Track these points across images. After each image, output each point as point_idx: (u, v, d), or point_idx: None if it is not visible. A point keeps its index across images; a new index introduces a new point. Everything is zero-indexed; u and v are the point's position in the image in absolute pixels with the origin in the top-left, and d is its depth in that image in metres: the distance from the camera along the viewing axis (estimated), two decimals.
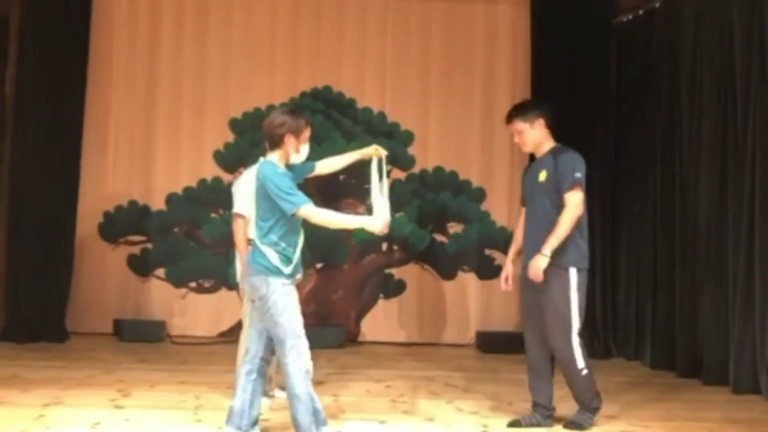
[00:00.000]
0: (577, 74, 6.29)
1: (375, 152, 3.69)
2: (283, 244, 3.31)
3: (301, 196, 3.28)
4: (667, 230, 5.75)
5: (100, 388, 4.45)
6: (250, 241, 4.14)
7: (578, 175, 3.64)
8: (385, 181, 3.57)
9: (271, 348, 3.38)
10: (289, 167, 3.41)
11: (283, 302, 3.27)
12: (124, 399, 4.23)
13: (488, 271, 6.55)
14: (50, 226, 6.09)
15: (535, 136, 3.79)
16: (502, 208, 6.54)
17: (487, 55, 6.63)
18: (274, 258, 3.28)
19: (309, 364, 3.31)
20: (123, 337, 6.11)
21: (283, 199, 3.25)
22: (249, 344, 3.42)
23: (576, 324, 3.68)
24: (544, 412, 3.87)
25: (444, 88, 6.62)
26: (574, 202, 3.65)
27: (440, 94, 6.62)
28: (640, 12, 6.15)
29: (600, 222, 6.21)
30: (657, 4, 5.93)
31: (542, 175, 3.74)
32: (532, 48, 6.46)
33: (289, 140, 3.36)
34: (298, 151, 3.41)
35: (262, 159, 4.29)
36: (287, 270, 3.31)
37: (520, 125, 3.79)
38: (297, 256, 3.38)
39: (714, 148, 5.26)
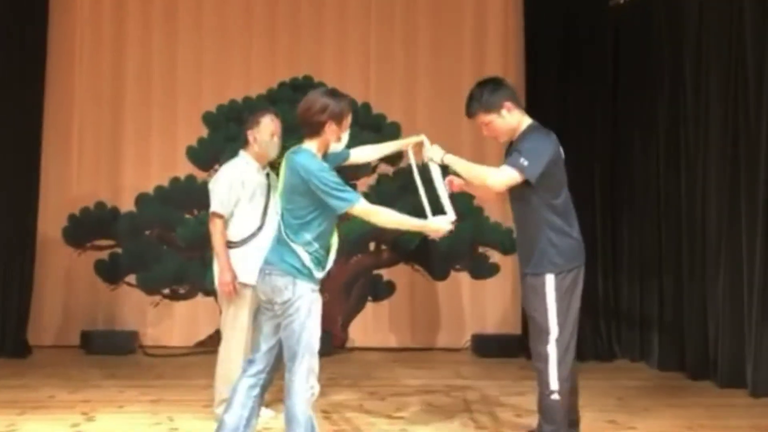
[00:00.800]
0: (573, 61, 5.95)
1: (414, 146, 3.35)
2: (317, 245, 2.94)
3: (353, 192, 2.95)
4: (672, 221, 5.44)
5: (62, 410, 4.01)
6: (229, 243, 3.76)
7: (524, 162, 3.14)
8: (438, 173, 3.24)
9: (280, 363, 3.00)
10: (325, 156, 3.03)
11: (308, 310, 2.91)
12: (88, 423, 3.79)
13: (482, 270, 6.18)
14: (8, 230, 5.61)
15: (507, 123, 3.29)
16: (496, 202, 6.16)
17: (476, 42, 6.25)
18: (306, 258, 2.90)
19: (316, 385, 2.93)
20: (91, 349, 5.68)
21: (334, 195, 2.88)
22: (256, 357, 3.01)
23: (554, 332, 3.22)
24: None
25: (431, 78, 6.21)
26: (504, 174, 3.16)
27: (428, 84, 6.22)
28: None
29: (600, 213, 5.89)
30: None
31: None
32: (525, 34, 6.09)
33: (330, 128, 2.96)
34: (339, 139, 3.02)
35: (240, 152, 3.94)
36: (319, 274, 2.95)
37: (485, 117, 3.28)
38: (331, 260, 3.01)
39: (724, 134, 4.95)
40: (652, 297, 5.66)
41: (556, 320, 3.23)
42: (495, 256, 6.20)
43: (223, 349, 3.80)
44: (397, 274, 6.15)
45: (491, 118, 3.25)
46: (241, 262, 3.72)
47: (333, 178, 2.90)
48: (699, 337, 5.13)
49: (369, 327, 6.11)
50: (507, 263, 6.15)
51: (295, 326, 2.87)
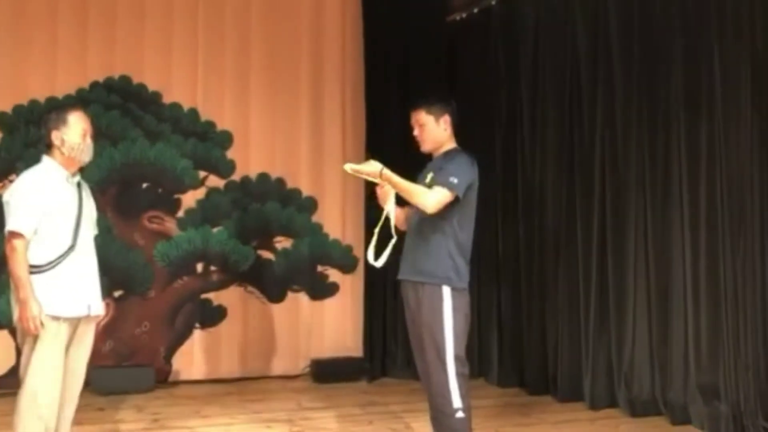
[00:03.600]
0: (412, 74, 5.85)
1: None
2: None
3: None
4: (510, 237, 5.47)
5: None
6: (32, 268, 3.07)
7: (453, 180, 3.17)
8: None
9: None
10: None
11: None
12: None
13: (321, 289, 5.83)
14: None
15: (438, 134, 3.33)
16: (335, 219, 5.86)
17: (314, 48, 5.91)
18: None
19: None
20: None
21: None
22: None
23: (450, 350, 3.13)
24: None
25: (266, 83, 5.78)
26: (439, 194, 3.15)
27: (262, 90, 5.78)
28: (475, 10, 5.86)
29: None
30: (493, 2, 5.66)
31: (428, 178, 3.28)
32: (364, 44, 5.89)
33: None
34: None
35: (43, 157, 3.26)
36: None
37: (423, 117, 3.32)
38: None
39: (560, 150, 5.08)
40: (489, 313, 5.65)
41: (452, 335, 3.13)
42: (334, 275, 5.88)
43: (27, 398, 3.05)
44: (229, 297, 5.61)
45: (428, 120, 3.32)
46: (49, 291, 3.04)
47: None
48: (538, 352, 5.18)
49: (196, 357, 5.50)
50: (347, 282, 5.87)
51: None
